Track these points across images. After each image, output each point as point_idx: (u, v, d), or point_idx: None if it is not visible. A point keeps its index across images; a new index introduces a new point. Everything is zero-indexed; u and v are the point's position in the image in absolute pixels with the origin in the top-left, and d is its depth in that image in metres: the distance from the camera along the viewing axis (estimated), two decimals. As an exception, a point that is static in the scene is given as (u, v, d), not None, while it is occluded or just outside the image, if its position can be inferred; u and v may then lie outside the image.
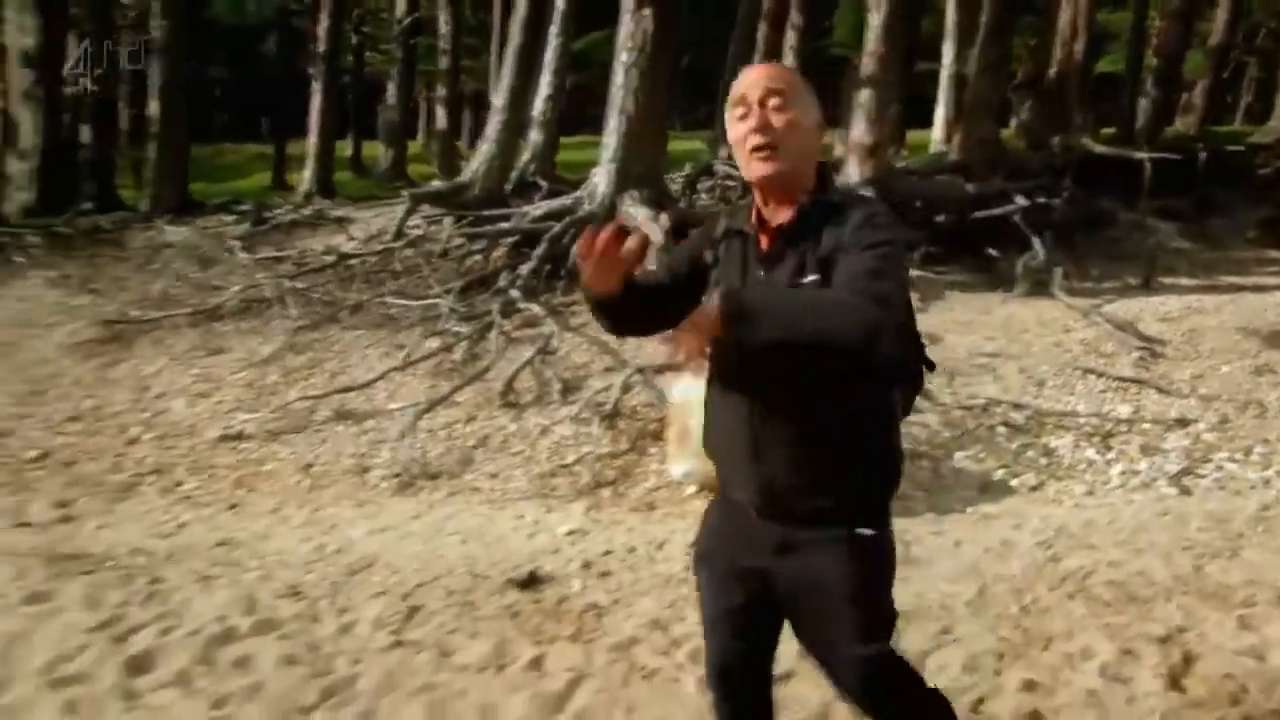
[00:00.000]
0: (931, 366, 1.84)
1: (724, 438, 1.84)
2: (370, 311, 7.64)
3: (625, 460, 5.31)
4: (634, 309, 1.81)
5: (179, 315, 7.91)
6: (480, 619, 3.50)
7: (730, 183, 10.79)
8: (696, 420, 2.02)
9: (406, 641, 3.36)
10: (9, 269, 10.59)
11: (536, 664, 3.13)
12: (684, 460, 4.63)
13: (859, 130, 9.36)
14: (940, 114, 13.27)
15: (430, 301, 7.45)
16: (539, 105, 9.76)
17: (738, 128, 1.74)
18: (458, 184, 9.22)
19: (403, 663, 3.18)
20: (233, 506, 4.72)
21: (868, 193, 5.57)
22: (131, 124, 21.58)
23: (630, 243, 1.62)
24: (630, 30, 7.82)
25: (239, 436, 5.69)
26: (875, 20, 9.43)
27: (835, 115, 9.78)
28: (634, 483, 5.10)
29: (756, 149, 1.71)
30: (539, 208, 8.66)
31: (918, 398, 2.01)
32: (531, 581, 3.80)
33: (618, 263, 1.63)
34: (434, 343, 6.82)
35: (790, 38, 12.96)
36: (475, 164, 9.28)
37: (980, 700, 2.87)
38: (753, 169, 1.74)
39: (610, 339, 6.31)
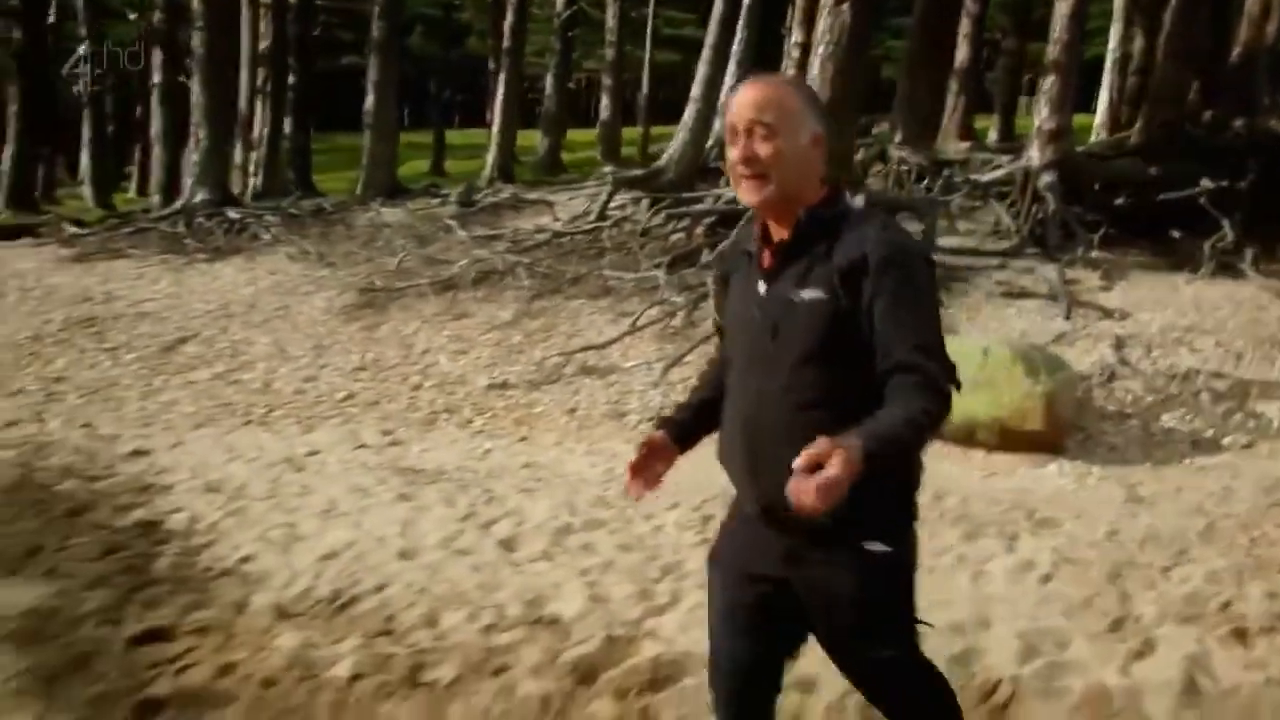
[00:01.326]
0: (959, 386, 1.68)
1: (727, 448, 1.87)
2: (589, 283, 8.52)
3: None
4: (705, 428, 1.99)
5: (421, 285, 9.00)
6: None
7: (904, 166, 11.21)
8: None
9: (710, 539, 4.11)
10: (256, 245, 12.08)
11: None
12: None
13: (1043, 115, 9.66)
14: (1104, 97, 13.26)
15: (644, 274, 8.25)
16: (725, 96, 10.44)
17: (730, 152, 1.76)
18: (655, 169, 10.02)
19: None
20: (522, 439, 5.61)
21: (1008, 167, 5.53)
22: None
23: (645, 456, 1.88)
24: (828, 24, 8.39)
25: (504, 385, 6.62)
26: (1062, 9, 9.68)
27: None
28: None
29: (745, 177, 1.73)
30: (730, 190, 9.36)
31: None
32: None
33: (652, 471, 1.90)
34: (654, 310, 7.60)
35: (964, 25, 13.19)
36: (671, 150, 10.04)
37: (1227, 603, 3.38)
38: (743, 195, 1.76)
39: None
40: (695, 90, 9.89)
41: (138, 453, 5.36)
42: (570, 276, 8.63)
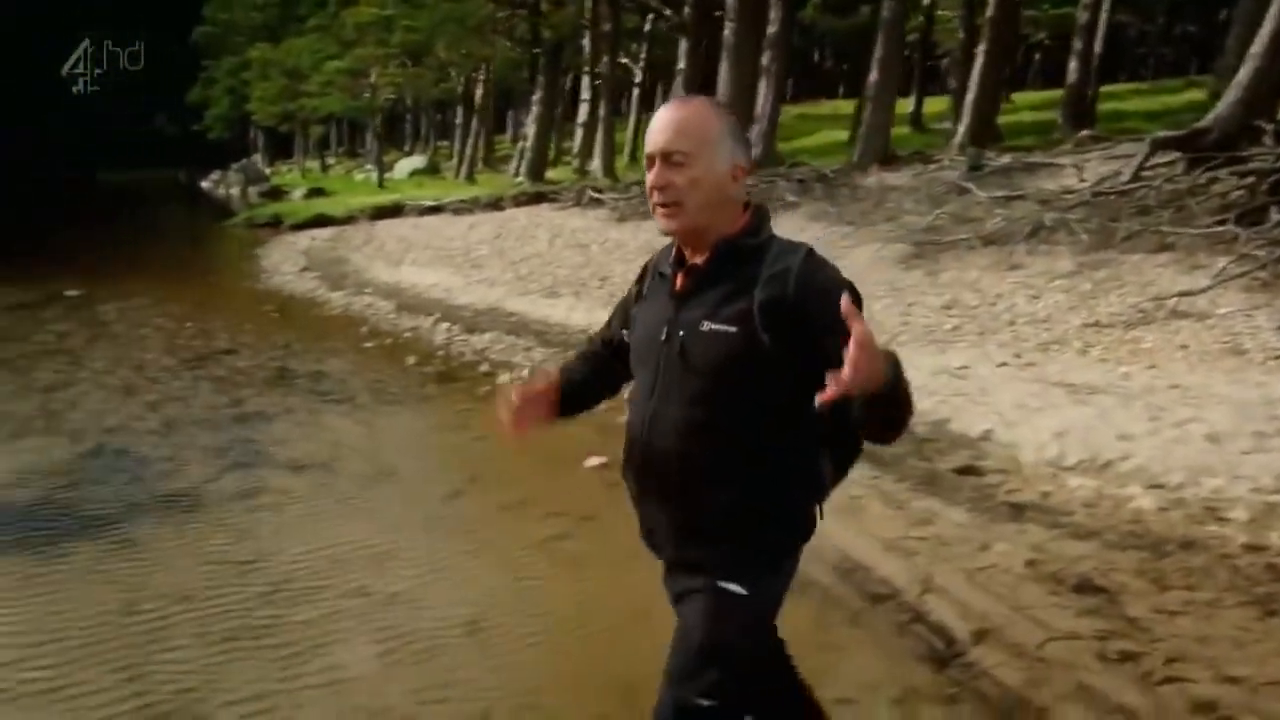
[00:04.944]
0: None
1: (624, 463, 1.86)
2: (1144, 238, 8.90)
3: None
4: (585, 399, 2.04)
5: (965, 240, 9.97)
6: None
7: None
8: None
9: None
10: (770, 207, 13.86)
11: None
12: None
13: None
14: None
15: (1207, 231, 8.47)
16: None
17: (647, 177, 1.73)
18: (1198, 129, 10.01)
19: None
20: (1151, 366, 6.33)
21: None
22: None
23: (521, 394, 1.90)
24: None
25: (1097, 324, 7.35)
26: None
27: None
28: None
29: (659, 205, 1.70)
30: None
31: None
32: None
33: (525, 411, 1.91)
34: (1234, 264, 7.84)
35: None
36: (1219, 109, 9.98)
37: None
38: (658, 223, 1.72)
39: None
40: (1255, 47, 9.68)
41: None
42: (1125, 233, 9.06)
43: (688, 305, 1.70)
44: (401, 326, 9.53)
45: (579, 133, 26.32)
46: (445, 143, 42.65)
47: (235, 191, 37.25)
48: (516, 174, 25.58)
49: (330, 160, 47.34)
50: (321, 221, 21.20)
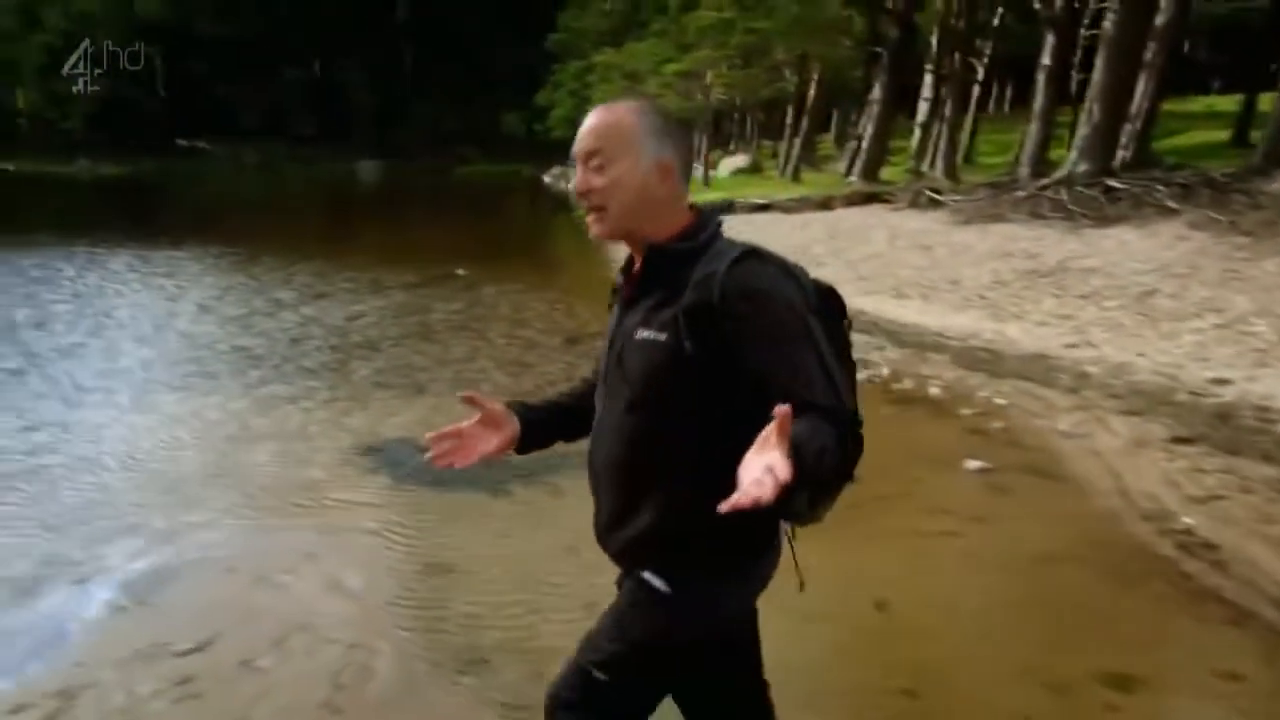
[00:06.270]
0: (859, 423, 1.50)
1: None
2: None
3: None
4: (563, 429, 1.90)
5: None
6: None
7: None
8: None
9: None
10: (1141, 213, 12.68)
11: None
12: None
13: None
14: None
15: None
16: None
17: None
18: None
19: None
20: None
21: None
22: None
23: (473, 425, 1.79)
24: None
25: None
26: None
27: None
28: None
29: (587, 210, 1.62)
30: None
31: None
32: None
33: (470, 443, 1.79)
34: None
35: None
36: None
37: None
38: (590, 229, 1.65)
39: None
40: None
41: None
42: None
43: (630, 313, 1.64)
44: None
45: (915, 132, 25.57)
46: (768, 142, 43.29)
47: (571, 186, 40.42)
48: (848, 173, 25.39)
49: (658, 158, 49.62)
50: (657, 216, 22.39)
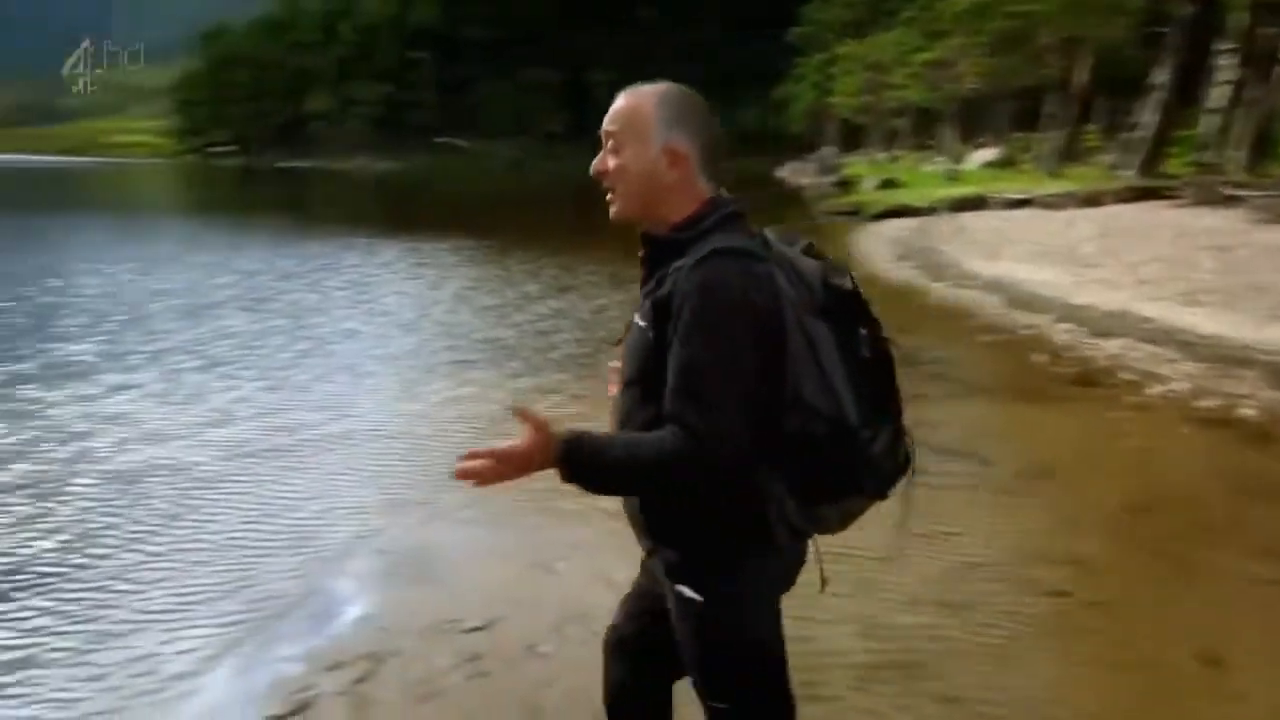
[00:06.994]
0: (733, 453, 1.42)
1: None
2: None
3: None
4: None
5: None
6: None
7: None
8: None
9: None
10: None
11: None
12: None
13: None
14: None
15: None
16: None
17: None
18: None
19: None
20: None
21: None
22: None
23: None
24: None
25: None
26: None
27: None
28: None
29: (606, 192, 1.64)
30: None
31: None
32: None
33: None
34: None
35: None
36: None
37: None
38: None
39: None
40: None
41: None
42: None
43: (642, 296, 1.63)
44: (1017, 322, 9.19)
45: (1201, 120, 22.80)
46: (1020, 134, 40.44)
47: (806, 181, 39.62)
48: (1119, 166, 23.08)
49: (897, 152, 47.91)
50: (900, 212, 21.47)
